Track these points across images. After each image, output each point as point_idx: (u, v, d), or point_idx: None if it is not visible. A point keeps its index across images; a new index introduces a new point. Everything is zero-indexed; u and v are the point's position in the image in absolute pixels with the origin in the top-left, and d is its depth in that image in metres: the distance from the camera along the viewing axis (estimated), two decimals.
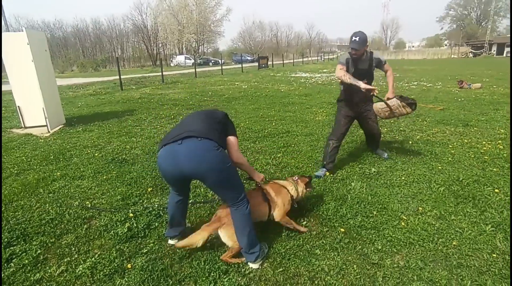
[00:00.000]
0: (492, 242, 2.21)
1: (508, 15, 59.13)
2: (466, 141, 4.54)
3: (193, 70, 19.62)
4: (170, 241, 2.28)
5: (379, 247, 2.18)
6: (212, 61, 42.53)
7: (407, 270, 1.95)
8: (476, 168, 3.53)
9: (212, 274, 1.96)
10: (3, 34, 5.14)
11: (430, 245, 2.19)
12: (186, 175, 1.91)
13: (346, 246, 2.20)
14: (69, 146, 4.77)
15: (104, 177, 3.50)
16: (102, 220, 2.61)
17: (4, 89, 9.06)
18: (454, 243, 2.21)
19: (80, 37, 51.18)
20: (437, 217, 2.54)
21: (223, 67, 23.96)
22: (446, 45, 74.67)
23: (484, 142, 4.43)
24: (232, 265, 2.04)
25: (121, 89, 12.47)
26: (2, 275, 1.99)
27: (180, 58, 42.00)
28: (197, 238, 2.04)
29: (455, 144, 4.42)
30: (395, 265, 2.00)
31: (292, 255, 2.13)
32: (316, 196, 2.93)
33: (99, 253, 2.19)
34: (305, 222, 2.52)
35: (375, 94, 3.26)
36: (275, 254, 2.14)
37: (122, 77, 13.42)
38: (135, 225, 2.50)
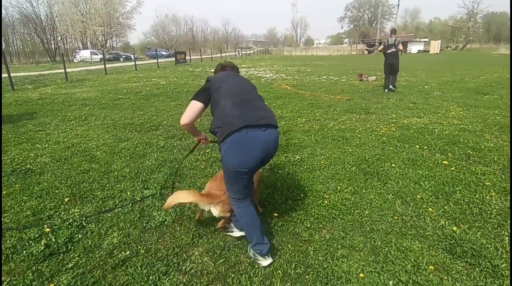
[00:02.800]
0: (393, 208, 2.66)
1: (393, 19, 69.63)
2: (368, 126, 5.27)
3: (102, 66, 17.82)
4: (268, 259, 1.99)
5: (308, 225, 2.41)
6: (123, 57, 39.30)
7: (332, 241, 2.22)
8: (377, 148, 4.15)
9: (151, 277, 1.90)
10: None
11: (348, 217, 2.52)
12: (265, 162, 2.00)
13: (280, 229, 2.37)
14: None
15: (4, 192, 2.98)
16: (8, 242, 2.24)
17: None
18: (366, 212, 2.59)
19: None
20: (352, 193, 2.93)
21: (137, 63, 22.41)
22: (346, 43, 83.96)
23: (381, 126, 5.22)
24: (172, 265, 2.01)
25: (13, 89, 10.59)
26: None
27: (85, 53, 37.61)
28: (183, 196, 2.07)
29: (360, 129, 5.09)
30: (322, 239, 2.25)
31: (231, 246, 2.19)
32: None
33: (8, 279, 1.89)
34: None
35: None
36: (214, 247, 2.17)
37: (12, 75, 11.40)
38: (53, 240, 2.23)
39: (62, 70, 14.41)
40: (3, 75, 10.48)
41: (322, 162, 3.67)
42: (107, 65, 18.29)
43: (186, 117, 2.02)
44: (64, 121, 5.92)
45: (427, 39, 56.45)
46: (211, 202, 2.12)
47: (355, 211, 2.60)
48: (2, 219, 2.54)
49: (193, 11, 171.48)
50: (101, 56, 26.51)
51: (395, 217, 2.51)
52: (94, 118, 6.19)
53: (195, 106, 2.02)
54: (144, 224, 2.47)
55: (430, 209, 2.62)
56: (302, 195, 2.87)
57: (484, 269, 1.92)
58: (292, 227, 2.39)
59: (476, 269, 1.92)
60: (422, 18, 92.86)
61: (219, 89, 2.00)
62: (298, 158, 3.78)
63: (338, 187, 3.04)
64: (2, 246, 2.19)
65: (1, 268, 1.99)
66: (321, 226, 2.41)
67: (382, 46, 9.41)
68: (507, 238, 2.21)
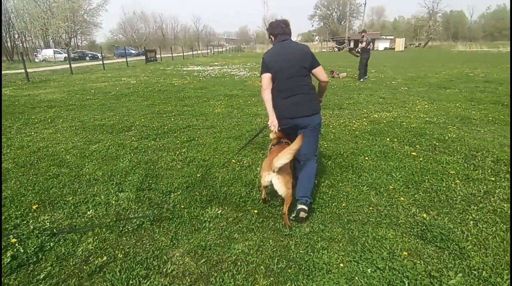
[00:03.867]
0: (368, 199, 2.76)
1: (360, 17, 71.92)
2: (341, 121, 5.43)
3: (67, 66, 16.92)
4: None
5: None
6: (90, 55, 37.59)
7: (312, 234, 2.27)
8: (351, 142, 4.28)
9: (131, 282, 1.84)
10: None
11: (326, 210, 2.59)
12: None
13: (261, 225, 2.39)
14: None
15: None
16: None
17: None
18: (343, 204, 2.67)
19: None
20: (329, 186, 3.01)
21: (105, 62, 21.51)
22: (317, 40, 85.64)
23: (354, 121, 5.39)
24: (152, 268, 1.96)
25: None
26: None
27: (48, 52, 35.49)
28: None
29: (334, 124, 5.23)
30: (302, 232, 2.29)
31: (213, 245, 2.18)
32: (227, 184, 3.04)
33: None
34: (220, 211, 2.60)
35: None
36: (195, 247, 2.15)
37: None
38: (21, 251, 2.09)
39: (22, 70, 13.50)
40: None
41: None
42: (73, 65, 17.41)
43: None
44: (28, 125, 5.57)
45: (392, 37, 58.93)
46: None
47: (333, 204, 2.67)
48: None
49: (162, 9, 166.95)
50: (65, 55, 25.20)
51: (370, 208, 2.61)
52: (61, 120, 5.88)
53: None
54: (121, 228, 2.39)
55: (402, 198, 2.75)
56: None
57: (453, 251, 2.05)
58: (272, 223, 2.42)
59: (445, 252, 2.05)
60: (387, 16, 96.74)
61: None
62: None
63: (316, 181, 3.10)
64: None
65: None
66: None
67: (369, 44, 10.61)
68: (471, 222, 2.37)
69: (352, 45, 58.37)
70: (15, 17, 40.21)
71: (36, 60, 36.54)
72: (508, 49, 41.46)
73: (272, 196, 2.80)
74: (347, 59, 24.37)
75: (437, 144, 4.09)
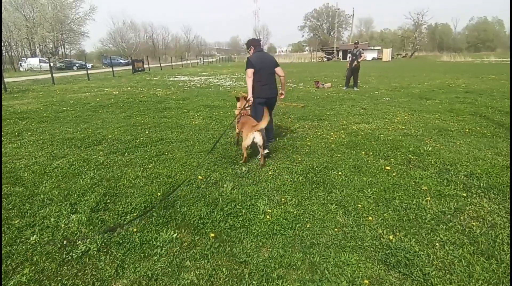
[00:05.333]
0: (335, 219, 2.63)
1: (349, 28, 73.41)
2: (319, 133, 5.33)
3: (50, 75, 16.57)
4: None
5: (247, 245, 2.29)
6: (77, 65, 37.22)
7: (270, 261, 2.11)
8: (326, 156, 4.17)
9: None
10: None
11: (289, 232, 2.44)
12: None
13: (216, 251, 2.22)
14: None
15: None
16: None
17: None
18: (308, 225, 2.53)
19: None
20: (296, 205, 2.86)
21: (91, 72, 21.27)
22: (307, 51, 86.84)
23: (332, 133, 5.30)
24: None
25: None
26: None
27: (33, 61, 35.00)
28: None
29: (311, 136, 5.13)
30: (260, 259, 2.13)
31: (160, 274, 2.00)
32: (188, 204, 2.87)
33: None
34: (176, 235, 2.42)
35: None
36: (140, 278, 1.97)
37: None
38: None
39: (7, 79, 13.12)
40: None
41: (270, 173, 3.59)
42: (58, 74, 17.11)
43: None
44: None
45: (380, 47, 60.14)
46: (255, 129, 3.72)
47: (297, 225, 2.53)
48: None
49: (152, 19, 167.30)
50: (52, 64, 24.77)
51: (336, 229, 2.47)
52: (29, 133, 5.63)
53: None
54: (64, 256, 2.19)
55: (370, 217, 2.63)
56: (243, 211, 2.75)
57: (416, 278, 1.92)
58: (229, 248, 2.25)
59: (408, 279, 1.92)
60: (374, 27, 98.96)
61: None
62: (245, 170, 3.67)
63: (283, 199, 2.96)
64: None
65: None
66: (261, 244, 2.30)
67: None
68: (438, 243, 2.25)
69: (340, 55, 59.37)
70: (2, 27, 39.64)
71: (21, 69, 35.94)
72: (492, 60, 42.74)
73: (232, 216, 2.65)
74: (336, 69, 24.66)
75: (412, 157, 4.01)
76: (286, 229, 2.48)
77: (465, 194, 2.99)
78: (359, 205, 2.82)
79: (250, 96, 4.22)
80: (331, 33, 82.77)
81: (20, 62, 37.89)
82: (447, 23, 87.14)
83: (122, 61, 42.60)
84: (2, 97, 9.80)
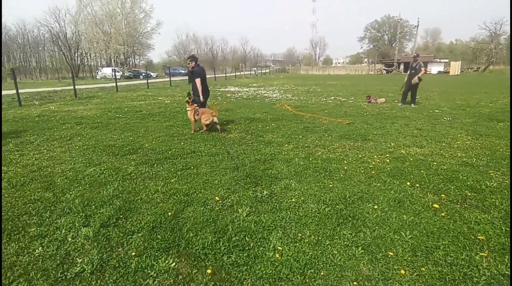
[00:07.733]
0: (357, 268, 2.19)
1: (413, 39, 68.80)
2: (360, 156, 4.80)
3: (119, 83, 18.21)
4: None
5: None
6: (143, 74, 40.65)
7: None
8: (363, 184, 3.68)
9: None
10: None
11: (298, 279, 2.08)
12: None
13: None
14: None
15: None
16: None
17: None
18: (322, 273, 2.14)
19: None
20: (314, 244, 2.48)
21: (152, 81, 22.91)
22: (365, 63, 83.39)
23: (375, 156, 4.73)
24: None
25: (20, 105, 10.86)
26: None
27: (107, 71, 39.26)
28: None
29: (350, 159, 4.63)
30: None
31: None
32: (196, 229, 2.67)
33: None
34: (174, 264, 2.23)
35: None
36: None
37: (29, 90, 11.87)
38: None
39: (81, 86, 14.80)
40: (12, 92, 10.77)
41: (293, 200, 3.24)
42: (124, 83, 18.77)
43: None
44: (47, 141, 5.81)
45: (447, 60, 55.13)
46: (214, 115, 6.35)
47: (309, 271, 2.15)
48: None
49: (213, 31, 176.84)
50: (121, 73, 27.42)
51: (355, 282, 2.04)
52: (79, 138, 6.06)
53: None
54: (59, 275, 2.13)
55: (402, 270, 2.14)
56: (252, 244, 2.45)
57: None
58: None
59: None
60: (443, 38, 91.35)
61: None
62: (266, 194, 3.37)
63: (300, 234, 2.60)
64: None
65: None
66: None
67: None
68: None
69: (402, 67, 55.75)
70: (84, 40, 45.43)
71: (97, 77, 40.53)
72: None
73: (238, 249, 2.37)
74: (394, 83, 23.05)
75: (469, 194, 3.32)
76: (295, 274, 2.12)
77: None
78: (391, 253, 2.33)
79: (201, 97, 6.89)
80: (393, 45, 78.48)
81: (97, 71, 42.76)
82: None
83: (183, 71, 45.47)
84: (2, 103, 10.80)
